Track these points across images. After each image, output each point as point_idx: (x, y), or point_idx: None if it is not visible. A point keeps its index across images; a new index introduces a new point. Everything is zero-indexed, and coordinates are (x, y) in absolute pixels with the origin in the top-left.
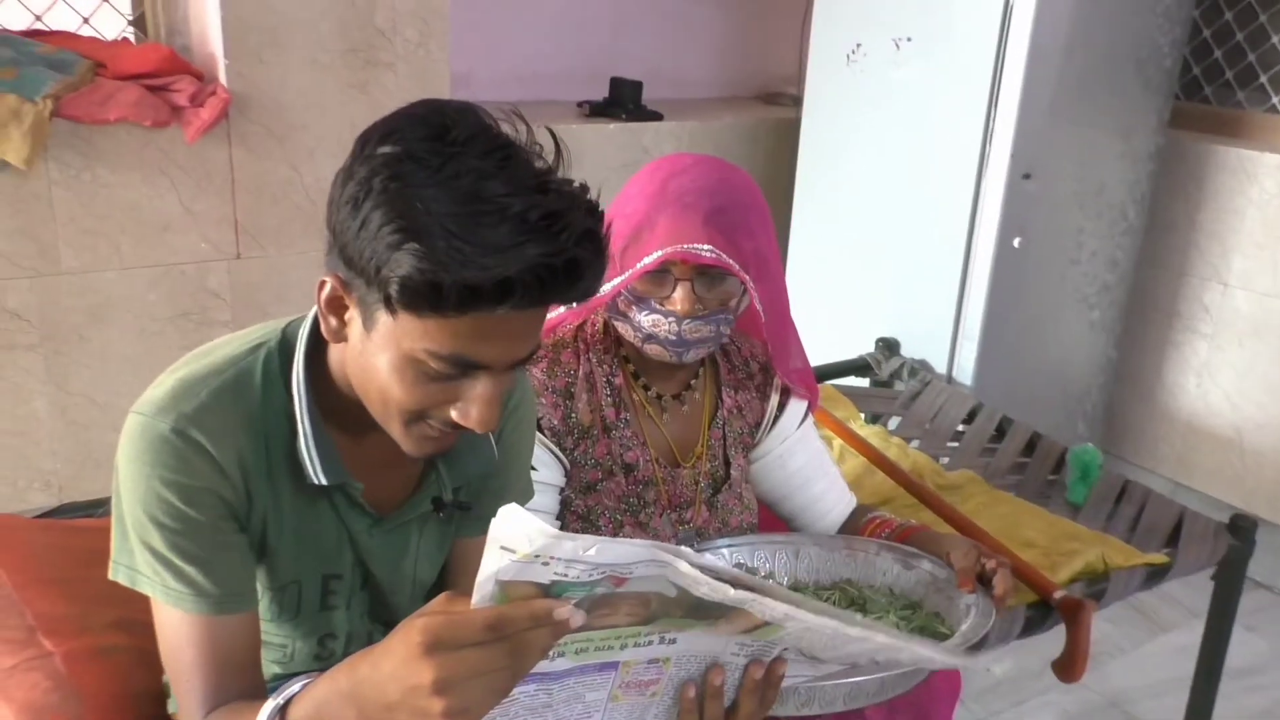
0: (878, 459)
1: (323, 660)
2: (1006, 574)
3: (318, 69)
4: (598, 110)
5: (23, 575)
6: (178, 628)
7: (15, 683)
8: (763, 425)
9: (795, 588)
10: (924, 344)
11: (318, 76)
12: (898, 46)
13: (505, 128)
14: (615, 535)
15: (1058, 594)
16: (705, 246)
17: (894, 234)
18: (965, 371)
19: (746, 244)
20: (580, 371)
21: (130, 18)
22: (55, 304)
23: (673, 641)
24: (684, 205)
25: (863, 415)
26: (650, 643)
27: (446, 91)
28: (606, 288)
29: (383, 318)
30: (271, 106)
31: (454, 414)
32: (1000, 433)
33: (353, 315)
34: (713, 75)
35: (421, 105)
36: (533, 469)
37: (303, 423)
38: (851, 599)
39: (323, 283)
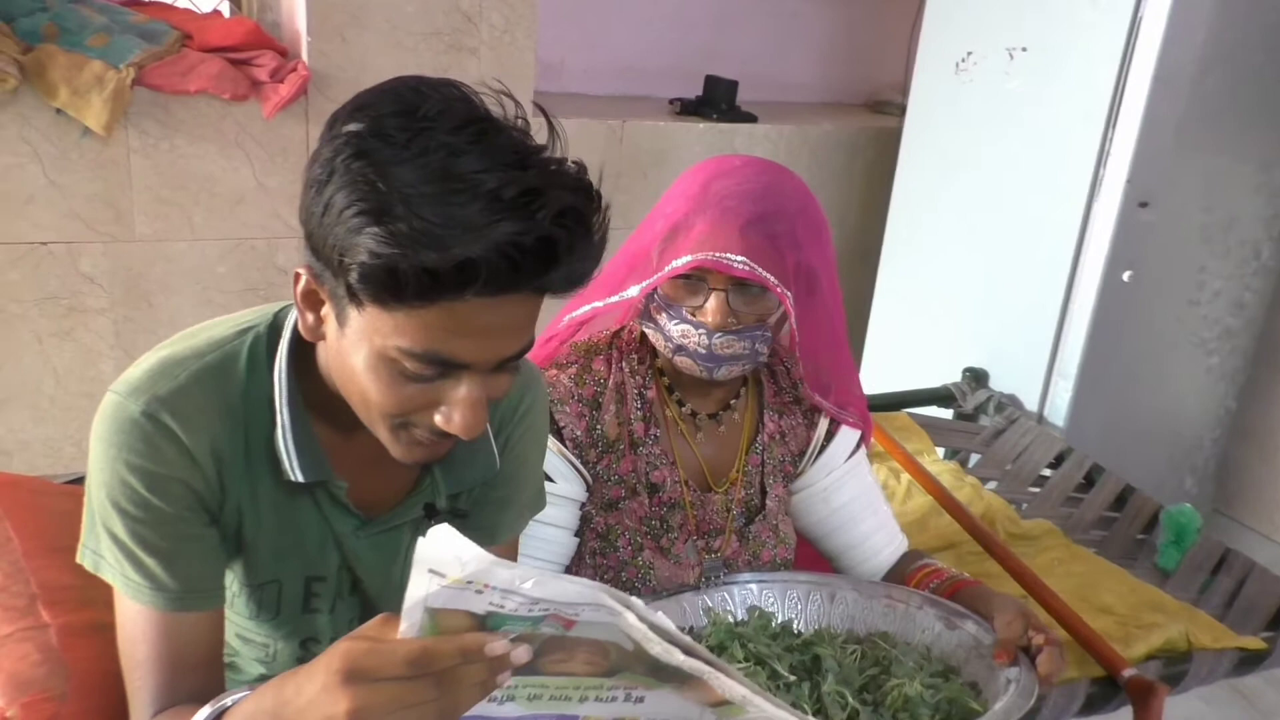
0: (945, 499)
1: (292, 665)
2: (1055, 654)
3: (400, 51)
4: (688, 109)
5: (35, 542)
6: (135, 620)
7: (6, 652)
8: (807, 454)
9: (824, 636)
10: (1015, 378)
11: (399, 58)
12: (1011, 56)
13: (495, 107)
14: (634, 557)
15: (1127, 672)
16: (739, 257)
17: (992, 256)
18: (1058, 412)
19: (790, 257)
20: (611, 381)
21: None
22: (127, 270)
23: (640, 700)
24: (723, 210)
25: (940, 451)
26: (614, 699)
27: (532, 80)
28: (635, 289)
29: (353, 312)
30: (351, 86)
31: (438, 419)
32: (1089, 482)
33: (328, 311)
34: (814, 79)
35: (394, 80)
36: (549, 480)
37: (282, 414)
38: (877, 659)
39: (297, 275)
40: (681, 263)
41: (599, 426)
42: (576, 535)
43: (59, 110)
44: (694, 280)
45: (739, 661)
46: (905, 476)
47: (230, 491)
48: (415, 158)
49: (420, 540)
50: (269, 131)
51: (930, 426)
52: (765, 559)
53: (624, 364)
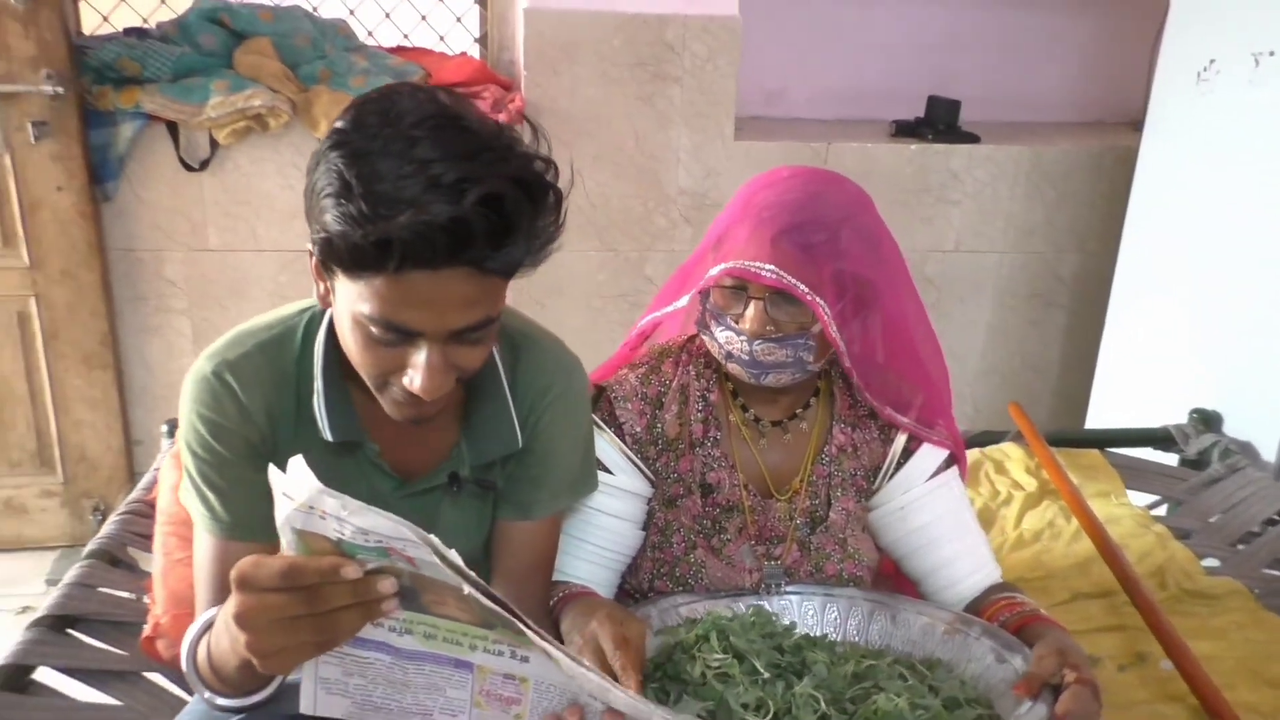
0: (1103, 544)
1: None
2: (1080, 694)
3: (606, 81)
4: (905, 130)
5: None
6: (200, 544)
7: (175, 574)
8: (882, 471)
9: (816, 643)
10: (1251, 424)
11: (606, 89)
12: (1257, 62)
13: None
14: (686, 554)
15: None
16: (768, 266)
17: (1233, 285)
18: None
19: (828, 266)
20: (676, 382)
21: (477, 35)
22: None
23: (525, 660)
24: (760, 220)
25: (1144, 496)
26: (501, 653)
27: (733, 105)
28: (685, 299)
29: (335, 282)
30: (562, 115)
31: (405, 380)
32: None
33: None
34: (1048, 97)
35: (382, 88)
36: (607, 472)
37: (318, 380)
38: (900, 673)
39: (310, 252)
40: (715, 272)
41: (659, 425)
42: (644, 529)
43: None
44: (736, 289)
45: (716, 652)
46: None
47: (282, 446)
48: (380, 147)
49: (276, 469)
50: None
51: (1129, 467)
52: (830, 572)
53: (691, 367)
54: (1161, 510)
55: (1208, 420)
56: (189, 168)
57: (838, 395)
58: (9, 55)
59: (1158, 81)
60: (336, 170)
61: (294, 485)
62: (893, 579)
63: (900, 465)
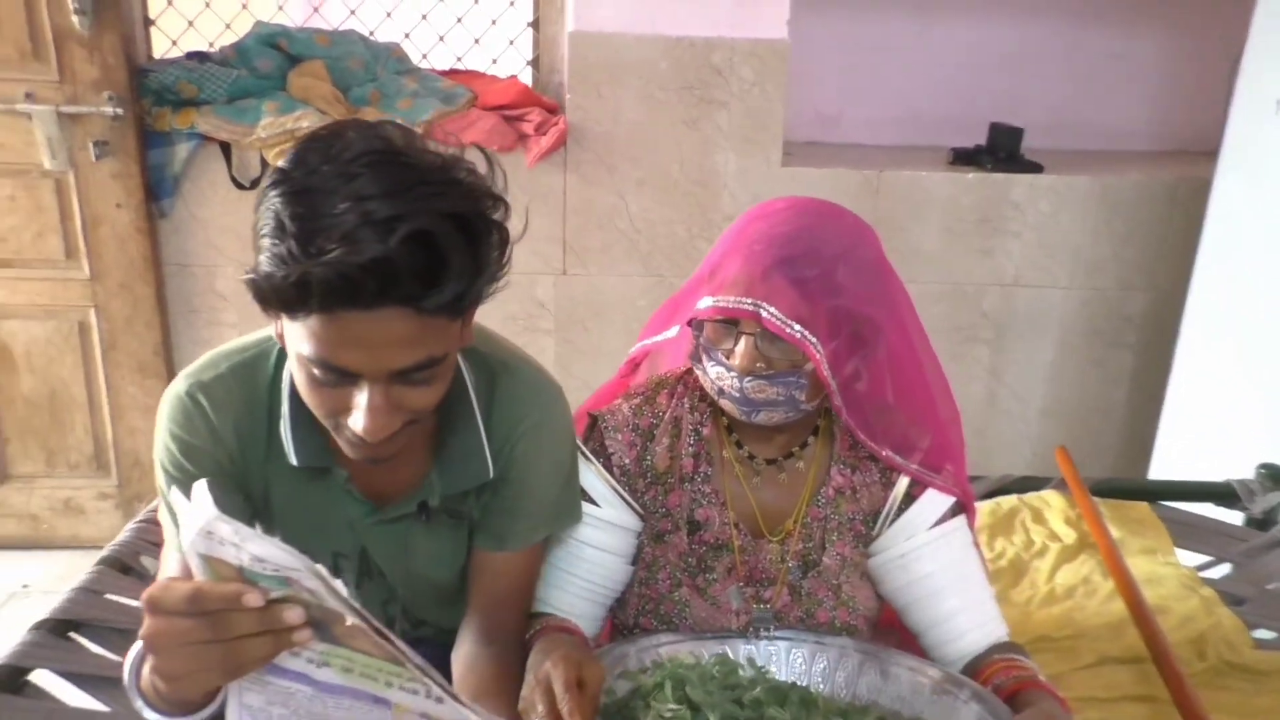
0: (1135, 605)
1: None
2: None
3: (651, 105)
4: (964, 158)
5: None
6: (166, 562)
7: None
8: (883, 516)
9: (782, 696)
10: None
11: (651, 112)
12: None
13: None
14: (671, 592)
15: None
16: (748, 300)
17: None
18: None
19: (823, 302)
20: (669, 414)
21: (529, 58)
22: None
23: (440, 700)
24: (750, 254)
25: (1194, 556)
26: (416, 691)
27: (781, 130)
28: (674, 330)
29: (281, 322)
30: (605, 138)
31: (349, 421)
32: None
33: None
34: (1121, 125)
35: (331, 124)
36: (593, 504)
37: (284, 405)
38: None
39: None
40: (703, 306)
41: (649, 457)
42: (633, 564)
43: None
44: (727, 324)
45: (669, 701)
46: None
47: (253, 469)
48: (318, 183)
49: (180, 494)
50: (532, 179)
51: (1182, 523)
52: (822, 619)
53: (686, 399)
54: (1216, 572)
55: (1276, 477)
56: (241, 186)
57: (838, 435)
58: (74, 79)
59: (1234, 110)
60: (274, 210)
61: (194, 511)
62: (899, 630)
63: (902, 511)
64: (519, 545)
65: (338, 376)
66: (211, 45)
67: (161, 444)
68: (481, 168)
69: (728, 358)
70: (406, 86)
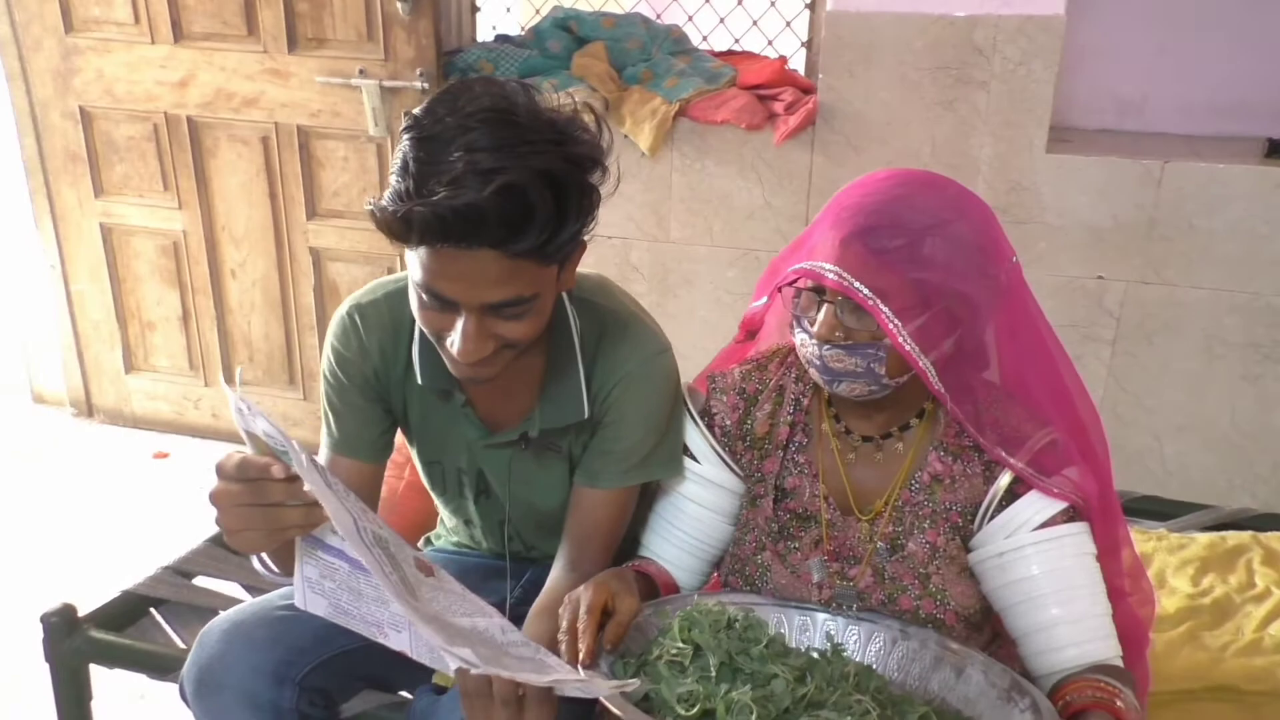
0: None
1: (468, 540)
2: None
3: (905, 85)
4: (1278, 149)
5: None
6: (319, 457)
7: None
8: (982, 510)
9: (778, 656)
10: None
11: (904, 92)
12: None
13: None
14: (755, 555)
15: None
16: (830, 266)
17: None
18: None
19: (900, 273)
20: (774, 381)
21: (804, 39)
22: (662, 265)
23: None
24: (836, 221)
25: None
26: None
27: (1048, 115)
28: (761, 301)
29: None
30: (854, 119)
31: (448, 343)
32: None
33: None
34: None
35: (462, 80)
36: (693, 459)
37: (417, 330)
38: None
39: None
40: (789, 270)
41: (750, 422)
42: (733, 524)
43: (626, 135)
44: (814, 290)
45: (677, 641)
46: None
47: (394, 384)
48: (439, 133)
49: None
50: (779, 157)
51: None
52: (905, 605)
53: (795, 369)
54: None
55: None
56: None
57: (943, 420)
58: (396, 58)
59: None
60: (402, 151)
61: (229, 392)
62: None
63: (1002, 507)
64: (609, 485)
65: (440, 303)
66: (524, 30)
67: (325, 355)
68: (593, 132)
69: (811, 325)
70: (675, 66)
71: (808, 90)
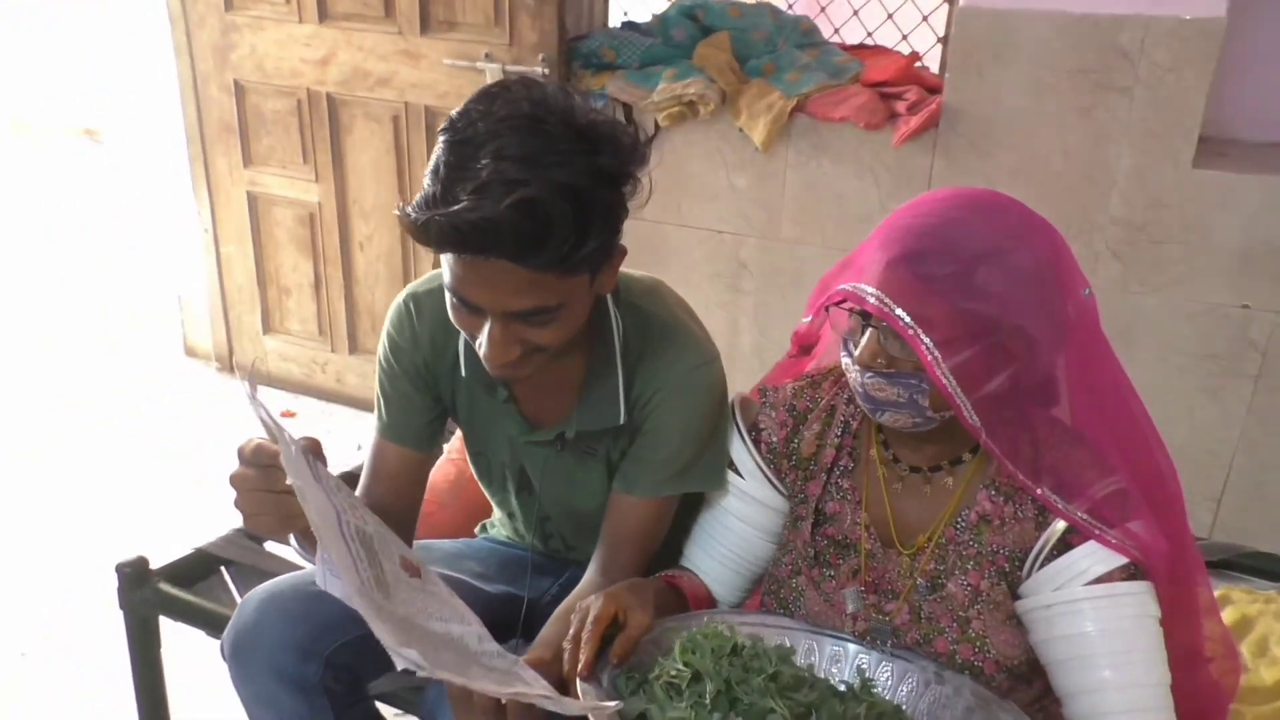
0: None
1: (512, 533)
2: None
3: (1039, 89)
4: None
5: None
6: (369, 440)
7: (441, 473)
8: (1031, 557)
9: (778, 689)
10: None
11: (1037, 96)
12: None
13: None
14: (790, 578)
15: None
16: (872, 290)
17: None
18: None
19: (944, 301)
20: (826, 401)
21: (940, 35)
22: (771, 263)
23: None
24: (885, 241)
25: None
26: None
27: (1197, 126)
28: (805, 319)
29: None
30: (981, 122)
31: (477, 345)
32: None
33: None
34: None
35: (500, 81)
36: (737, 475)
37: None
38: None
39: None
40: (835, 290)
41: (797, 440)
42: (776, 543)
43: (740, 129)
44: (860, 313)
45: (677, 663)
46: None
47: (443, 374)
48: (471, 137)
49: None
50: (899, 159)
51: None
52: (940, 648)
53: (845, 391)
54: None
55: None
56: None
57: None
58: (520, 43)
59: None
60: (437, 154)
61: (243, 381)
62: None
63: (1054, 556)
64: (645, 493)
65: (467, 307)
66: (654, 18)
67: (381, 341)
68: (628, 142)
69: (855, 349)
70: (799, 59)
71: (935, 89)
